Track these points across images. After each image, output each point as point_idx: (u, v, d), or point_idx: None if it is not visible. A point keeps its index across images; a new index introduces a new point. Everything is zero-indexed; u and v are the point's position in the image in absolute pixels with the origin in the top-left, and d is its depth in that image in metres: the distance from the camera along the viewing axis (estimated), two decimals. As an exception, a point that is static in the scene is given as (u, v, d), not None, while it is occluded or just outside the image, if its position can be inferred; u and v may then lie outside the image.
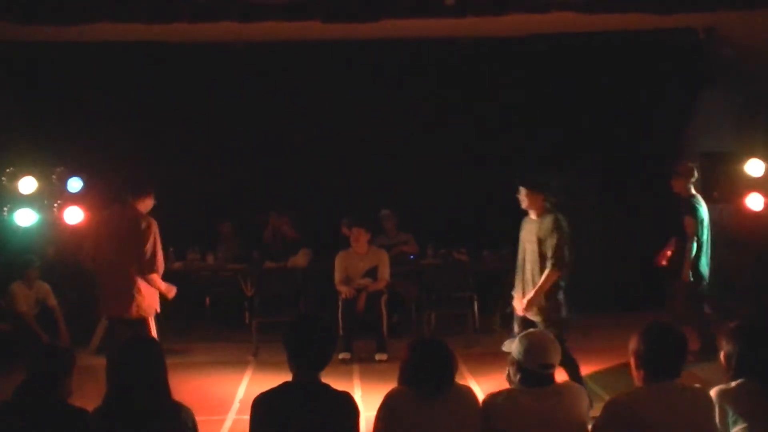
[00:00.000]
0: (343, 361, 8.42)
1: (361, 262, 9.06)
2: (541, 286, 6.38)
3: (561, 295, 6.48)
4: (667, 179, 8.33)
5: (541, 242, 6.43)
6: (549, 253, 6.38)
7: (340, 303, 8.81)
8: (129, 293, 6.77)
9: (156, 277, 6.88)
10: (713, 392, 3.83)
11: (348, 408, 3.79)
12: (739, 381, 3.84)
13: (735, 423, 3.72)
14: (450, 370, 3.91)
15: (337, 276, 8.99)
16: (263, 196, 10.69)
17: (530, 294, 6.43)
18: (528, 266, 6.56)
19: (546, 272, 6.38)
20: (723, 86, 10.08)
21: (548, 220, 6.43)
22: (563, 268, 6.41)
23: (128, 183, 6.98)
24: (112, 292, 6.87)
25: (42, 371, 3.74)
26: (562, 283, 6.49)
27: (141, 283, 6.80)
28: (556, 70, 10.46)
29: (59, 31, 8.43)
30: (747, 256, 9.50)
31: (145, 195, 6.94)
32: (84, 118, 10.17)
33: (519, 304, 6.59)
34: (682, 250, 8.13)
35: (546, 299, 6.42)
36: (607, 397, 4.84)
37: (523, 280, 6.61)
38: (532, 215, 6.57)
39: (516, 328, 6.55)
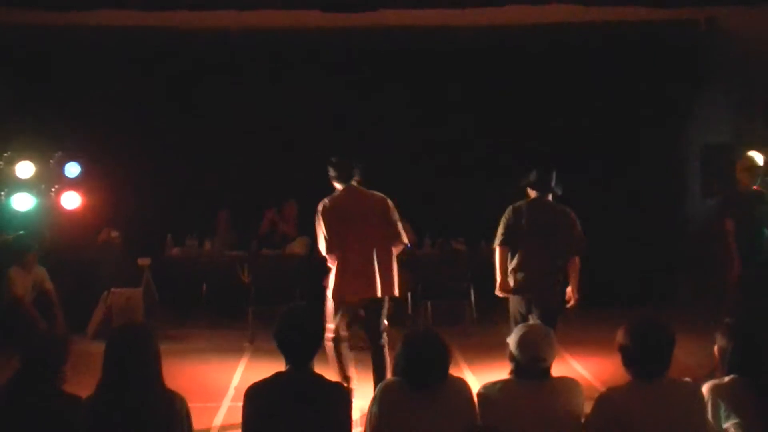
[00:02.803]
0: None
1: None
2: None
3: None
4: (666, 172, 8.28)
5: None
6: None
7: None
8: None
9: None
10: (706, 387, 3.84)
11: (339, 399, 3.83)
12: (732, 376, 3.86)
13: (727, 418, 3.73)
14: (443, 364, 3.90)
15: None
16: (263, 185, 10.65)
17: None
18: None
19: None
20: (723, 79, 10.06)
21: None
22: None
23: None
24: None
25: (37, 359, 3.74)
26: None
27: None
28: (556, 65, 10.43)
29: (58, 15, 8.42)
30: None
31: None
32: (82, 103, 10.14)
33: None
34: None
35: None
36: (603, 389, 4.84)
37: None
38: None
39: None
